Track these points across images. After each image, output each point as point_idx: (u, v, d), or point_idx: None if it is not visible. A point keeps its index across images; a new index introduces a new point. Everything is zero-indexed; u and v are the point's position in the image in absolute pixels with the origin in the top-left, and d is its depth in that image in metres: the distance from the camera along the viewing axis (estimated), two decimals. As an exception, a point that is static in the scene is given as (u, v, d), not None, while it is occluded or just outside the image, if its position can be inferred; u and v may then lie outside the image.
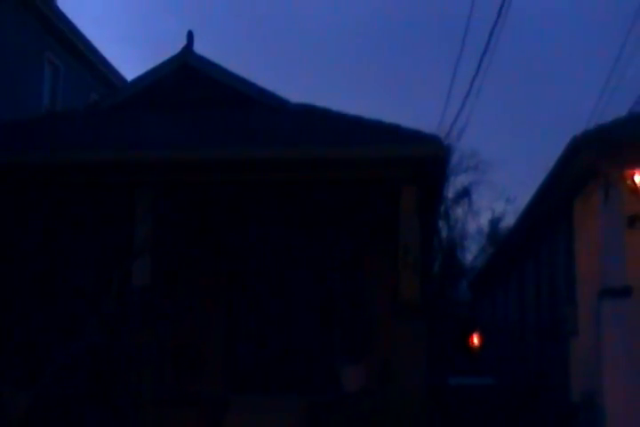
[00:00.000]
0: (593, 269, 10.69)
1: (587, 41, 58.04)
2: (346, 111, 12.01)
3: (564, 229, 12.64)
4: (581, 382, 11.26)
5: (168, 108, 12.77)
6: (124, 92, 13.92)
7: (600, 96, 16.78)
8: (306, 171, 10.64)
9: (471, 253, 35.39)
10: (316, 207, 12.02)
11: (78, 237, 12.28)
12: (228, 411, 10.42)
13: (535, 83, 55.72)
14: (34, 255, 12.36)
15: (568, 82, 54.29)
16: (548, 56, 58.39)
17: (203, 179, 10.89)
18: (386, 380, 10.24)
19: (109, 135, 11.82)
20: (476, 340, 27.16)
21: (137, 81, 13.75)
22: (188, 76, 13.34)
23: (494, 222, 35.33)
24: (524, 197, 22.42)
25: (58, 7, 17.96)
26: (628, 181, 10.19)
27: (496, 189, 39.47)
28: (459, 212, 33.83)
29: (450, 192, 29.96)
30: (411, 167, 10.38)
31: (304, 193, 11.63)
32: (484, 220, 35.97)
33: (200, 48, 13.55)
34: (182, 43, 13.51)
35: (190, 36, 13.55)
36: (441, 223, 29.74)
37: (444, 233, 31.92)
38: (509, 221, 30.61)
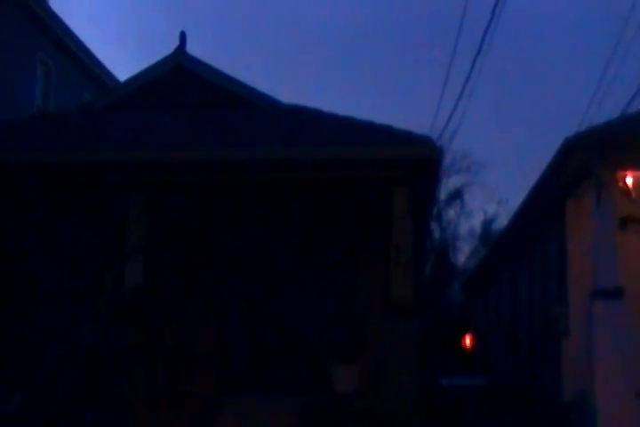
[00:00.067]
0: (585, 270, 10.72)
1: (579, 42, 58.20)
2: (338, 112, 12.03)
3: (556, 229, 12.68)
4: (573, 383, 11.29)
5: (161, 109, 12.76)
6: (117, 93, 13.91)
7: (592, 97, 16.85)
8: (298, 171, 10.65)
9: (463, 255, 35.48)
10: (309, 208, 12.02)
11: (71, 237, 12.25)
12: (221, 412, 10.41)
13: (527, 84, 55.84)
14: (26, 255, 12.33)
15: (560, 83, 54.43)
16: (540, 57, 58.48)
17: (196, 179, 10.89)
18: (378, 380, 10.24)
19: (102, 136, 11.80)
20: (468, 341, 27.21)
21: (130, 81, 13.74)
22: (180, 77, 13.34)
23: (486, 224, 35.41)
24: (516, 199, 22.43)
25: (50, 7, 17.93)
26: (620, 183, 10.23)
27: (488, 191, 39.52)
28: (451, 213, 33.94)
29: (442, 193, 30.04)
30: (403, 168, 10.39)
31: (297, 194, 11.63)
32: (476, 221, 36.00)
33: (193, 48, 13.58)
34: (175, 43, 13.53)
35: (183, 36, 13.55)
36: (433, 225, 29.84)
37: (436, 234, 32.01)
38: (502, 222, 30.69)
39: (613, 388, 9.81)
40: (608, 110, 15.72)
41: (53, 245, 12.35)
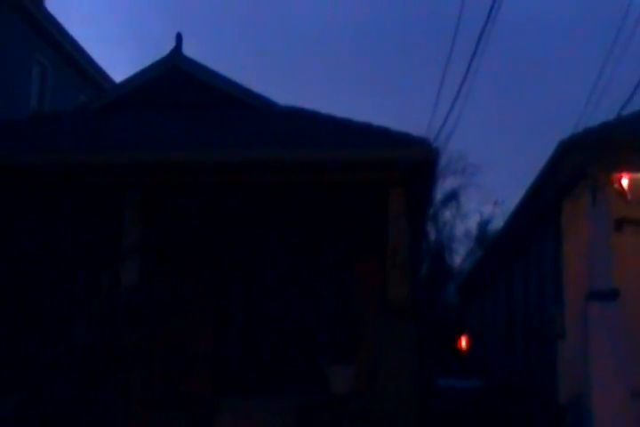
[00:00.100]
0: (581, 272, 10.74)
1: (576, 43, 58.31)
2: (334, 113, 12.04)
3: (552, 230, 12.69)
4: (569, 384, 11.30)
5: (157, 110, 12.76)
6: (113, 94, 13.91)
7: (588, 99, 16.87)
8: (295, 173, 10.65)
9: (459, 256, 35.53)
10: (306, 209, 12.03)
11: (67, 238, 12.24)
12: (217, 412, 10.42)
13: (523, 86, 55.91)
14: (23, 256, 12.32)
15: (557, 84, 54.52)
16: (536, 58, 58.60)
17: (191, 180, 10.89)
18: (374, 381, 10.24)
19: (98, 137, 11.80)
20: (464, 342, 27.23)
21: (126, 83, 13.75)
22: (176, 79, 13.34)
23: (482, 225, 35.48)
24: (511, 200, 22.46)
25: (46, 8, 17.94)
26: (616, 185, 10.25)
27: (484, 192, 39.55)
28: (447, 214, 34.00)
29: (438, 195, 30.10)
30: (400, 170, 10.40)
31: (293, 195, 11.64)
32: (472, 222, 36.11)
33: (189, 50, 13.59)
34: (171, 44, 13.54)
35: (179, 37, 13.57)
36: (429, 226, 29.86)
37: (432, 236, 32.04)
38: (497, 223, 30.76)
39: (609, 389, 9.82)
40: (604, 112, 15.75)
41: (50, 246, 12.35)
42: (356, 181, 10.80)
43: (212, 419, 10.31)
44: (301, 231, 12.32)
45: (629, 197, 10.25)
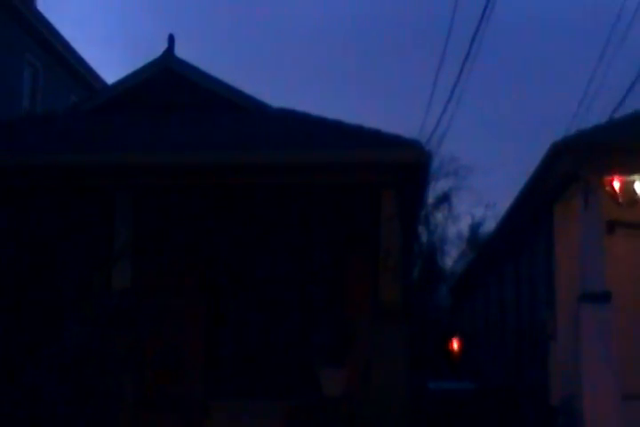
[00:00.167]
0: (573, 274, 10.76)
1: (568, 46, 58.45)
2: (326, 115, 12.04)
3: (544, 233, 12.71)
4: (560, 387, 11.31)
5: (149, 112, 12.73)
6: (105, 95, 13.87)
7: (580, 102, 16.91)
8: (287, 175, 10.64)
9: (451, 259, 35.55)
10: (297, 211, 12.02)
11: (58, 240, 12.20)
12: (208, 416, 10.39)
13: (515, 88, 56.01)
14: (13, 258, 12.27)
15: (549, 87, 54.67)
16: (528, 61, 58.74)
17: (183, 182, 10.87)
18: (366, 384, 10.23)
19: (90, 138, 11.76)
20: (455, 344, 27.24)
21: (117, 84, 13.71)
22: (168, 80, 13.31)
23: (474, 227, 35.50)
24: (503, 203, 22.53)
25: (37, 9, 17.90)
26: (608, 187, 10.28)
27: (476, 195, 39.65)
28: (439, 217, 34.01)
29: (430, 197, 30.09)
30: (392, 172, 10.40)
31: (285, 197, 11.63)
32: (463, 225, 36.09)
33: (181, 51, 13.56)
34: (163, 46, 13.52)
35: (171, 39, 13.54)
36: (421, 228, 29.88)
37: (423, 238, 32.06)
38: (489, 226, 30.79)
39: (600, 391, 9.83)
40: (596, 114, 15.79)
41: (39, 249, 12.30)
42: (348, 183, 10.79)
43: (204, 421, 10.29)
44: (293, 233, 12.30)
45: (621, 199, 10.28)
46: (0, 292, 12.20)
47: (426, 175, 10.94)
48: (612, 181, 10.29)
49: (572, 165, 10.31)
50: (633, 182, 10.29)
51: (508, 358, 16.67)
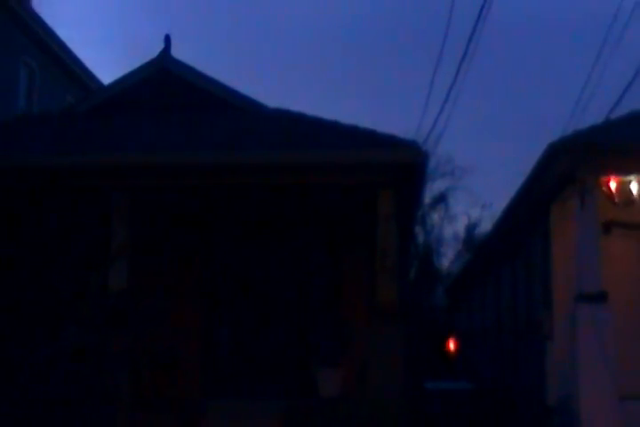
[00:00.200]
0: (569, 274, 10.77)
1: (564, 48, 58.54)
2: (322, 116, 12.03)
3: (540, 234, 12.72)
4: (557, 387, 11.32)
5: (145, 112, 12.72)
6: (101, 96, 13.85)
7: (577, 102, 16.92)
8: (283, 175, 10.64)
9: (447, 259, 35.57)
10: (294, 211, 12.02)
11: (54, 240, 12.18)
12: (205, 416, 10.38)
13: (511, 89, 56.08)
14: (10, 259, 12.25)
15: (545, 88, 54.73)
16: (524, 63, 58.80)
17: (179, 182, 10.86)
18: (363, 384, 10.23)
19: (86, 139, 11.75)
20: (452, 344, 27.26)
21: (114, 84, 13.70)
22: (165, 80, 13.30)
23: (470, 228, 35.54)
24: (500, 203, 22.53)
25: (33, 9, 17.87)
26: (604, 188, 10.29)
27: (472, 195, 39.58)
28: (435, 217, 34.03)
29: (426, 198, 30.07)
30: (388, 172, 10.40)
31: (281, 197, 11.62)
32: (460, 225, 36.15)
33: (177, 51, 13.55)
34: (159, 46, 13.51)
35: (168, 39, 13.53)
36: (417, 229, 29.88)
37: (420, 239, 32.07)
38: (485, 226, 30.83)
39: (597, 392, 9.84)
40: (593, 115, 15.79)
41: (36, 249, 12.28)
42: (345, 183, 10.79)
43: (201, 421, 10.27)
44: (290, 234, 12.30)
45: (617, 200, 10.29)
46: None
47: (422, 175, 10.93)
48: (608, 182, 10.30)
49: (569, 165, 10.32)
50: (629, 183, 10.31)
51: (505, 359, 16.68)
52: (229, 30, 73.33)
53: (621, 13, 14.29)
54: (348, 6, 68.16)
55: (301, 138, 11.37)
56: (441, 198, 33.57)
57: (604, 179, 10.31)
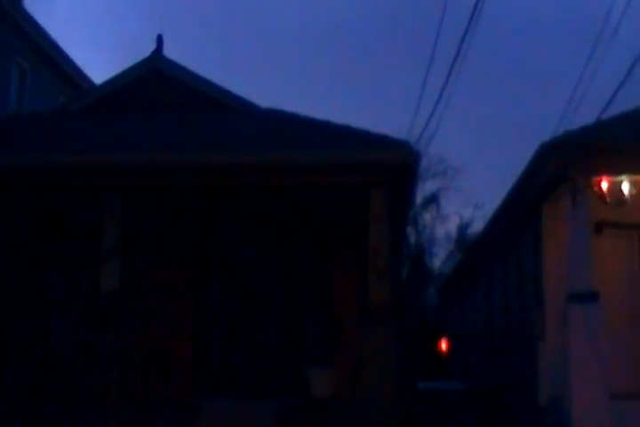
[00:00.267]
0: (561, 274, 10.79)
1: (556, 46, 58.66)
2: (314, 116, 12.04)
3: (532, 234, 12.75)
4: (549, 387, 11.34)
5: (137, 112, 12.72)
6: (93, 95, 13.85)
7: (568, 103, 16.95)
8: (275, 175, 10.64)
9: (439, 259, 35.58)
10: (286, 211, 12.02)
11: (46, 240, 12.16)
12: (197, 416, 10.37)
13: (503, 89, 56.19)
14: (0, 258, 12.22)
15: (536, 88, 54.83)
16: (516, 63, 58.91)
17: (171, 183, 10.85)
18: (355, 384, 10.24)
19: (78, 139, 11.73)
20: (444, 344, 27.29)
21: (106, 84, 13.69)
22: (157, 80, 13.30)
23: (462, 228, 35.54)
24: (492, 203, 22.55)
25: (24, 9, 17.81)
26: (596, 188, 10.31)
27: (464, 195, 39.54)
28: (427, 217, 34.01)
29: (418, 198, 30.06)
30: (380, 172, 10.41)
31: (273, 197, 11.63)
32: (451, 225, 36.16)
33: (169, 51, 13.55)
34: (151, 46, 13.51)
35: (160, 39, 13.53)
36: (409, 229, 29.87)
37: (412, 239, 32.06)
38: (477, 226, 30.82)
39: (588, 391, 9.86)
40: (584, 115, 15.83)
41: (28, 249, 12.25)
42: (337, 183, 10.80)
43: (192, 422, 10.26)
44: (282, 234, 12.30)
45: (609, 199, 10.32)
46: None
47: (414, 175, 10.95)
48: (599, 182, 10.33)
49: (560, 165, 10.35)
50: (620, 183, 10.33)
51: (497, 359, 16.70)
52: (222, 30, 73.28)
53: (614, 13, 14.31)
54: (339, 6, 68.20)
55: (293, 138, 11.38)
56: (433, 199, 33.55)
57: (595, 179, 10.33)
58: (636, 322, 10.26)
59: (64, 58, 19.33)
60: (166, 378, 11.44)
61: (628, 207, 10.33)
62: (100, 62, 58.55)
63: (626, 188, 10.33)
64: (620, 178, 10.34)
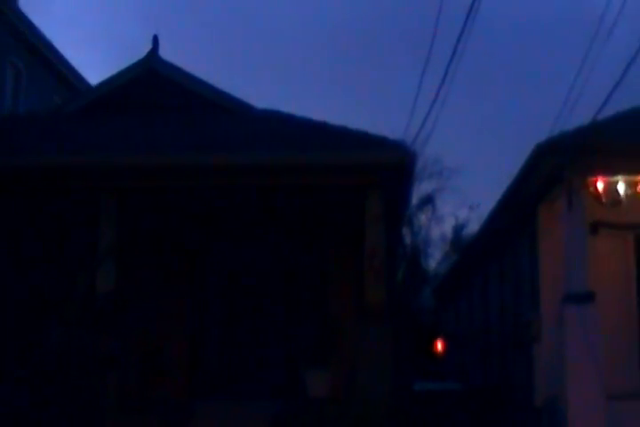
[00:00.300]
0: (557, 275, 10.79)
1: (552, 47, 58.72)
2: (311, 117, 12.04)
3: (528, 234, 12.75)
4: (545, 387, 11.34)
5: (133, 113, 12.70)
6: (89, 96, 13.83)
7: (564, 103, 16.96)
8: (271, 176, 10.64)
9: (435, 260, 35.56)
10: (281, 212, 12.01)
11: (42, 242, 12.14)
12: (193, 417, 10.36)
13: (499, 90, 56.22)
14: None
15: (532, 89, 54.86)
16: (512, 63, 58.94)
17: (167, 184, 10.84)
18: (351, 385, 10.23)
19: (73, 139, 11.71)
20: (439, 346, 27.28)
21: (101, 85, 13.67)
22: (153, 81, 13.29)
23: (458, 229, 35.51)
24: (487, 204, 22.57)
25: (19, 9, 17.78)
26: (591, 188, 10.32)
27: (459, 196, 39.53)
28: (422, 218, 33.99)
29: (413, 199, 30.04)
30: (376, 173, 10.41)
31: (269, 198, 11.62)
32: (447, 226, 36.11)
33: (165, 52, 13.53)
34: (147, 47, 13.49)
35: (156, 40, 13.51)
36: (405, 230, 29.86)
37: (407, 240, 32.04)
38: (473, 227, 30.80)
39: (584, 392, 9.87)
40: (580, 116, 15.82)
41: (23, 251, 12.23)
42: (333, 183, 10.80)
43: (188, 423, 10.25)
44: (279, 235, 12.29)
45: (604, 200, 10.33)
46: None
47: (410, 176, 10.96)
48: (595, 182, 10.34)
49: (556, 166, 10.35)
50: (616, 183, 10.34)
51: (493, 359, 16.71)
52: (218, 31, 73.23)
53: (609, 13, 14.32)
54: (335, 7, 68.22)
55: (289, 139, 11.37)
56: (428, 199, 33.53)
57: (591, 179, 10.34)
58: (631, 322, 10.28)
59: (59, 58, 19.30)
60: (162, 379, 11.43)
61: (624, 208, 10.34)
62: (95, 63, 58.41)
63: (621, 188, 10.34)
64: (615, 178, 10.36)
